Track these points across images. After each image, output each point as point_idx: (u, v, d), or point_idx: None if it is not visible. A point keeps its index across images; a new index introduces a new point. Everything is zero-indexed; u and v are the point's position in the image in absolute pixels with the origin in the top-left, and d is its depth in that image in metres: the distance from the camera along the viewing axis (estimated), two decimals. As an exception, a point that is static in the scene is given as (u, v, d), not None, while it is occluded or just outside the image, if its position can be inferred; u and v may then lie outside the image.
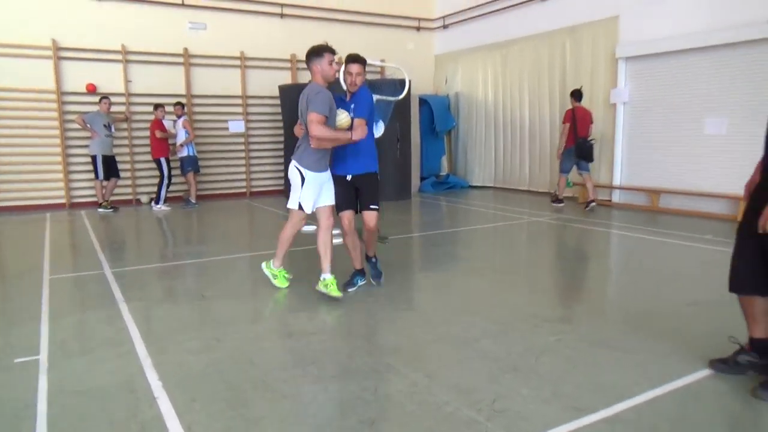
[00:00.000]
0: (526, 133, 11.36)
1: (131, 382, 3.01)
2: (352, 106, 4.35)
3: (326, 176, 4.47)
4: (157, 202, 10.05)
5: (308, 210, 4.47)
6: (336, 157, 4.52)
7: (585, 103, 9.14)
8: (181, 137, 9.96)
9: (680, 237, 6.75)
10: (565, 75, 10.29)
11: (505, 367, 3.15)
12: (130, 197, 10.71)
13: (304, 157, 4.35)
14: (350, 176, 4.51)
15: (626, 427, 2.51)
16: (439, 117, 12.45)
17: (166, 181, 10.03)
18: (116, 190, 10.16)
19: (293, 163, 4.41)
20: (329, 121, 4.19)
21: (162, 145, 9.95)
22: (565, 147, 8.98)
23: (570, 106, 9.05)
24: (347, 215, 4.56)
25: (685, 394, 2.82)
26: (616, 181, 9.52)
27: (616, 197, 9.59)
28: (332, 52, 4.27)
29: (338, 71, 4.42)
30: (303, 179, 4.35)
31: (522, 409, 2.68)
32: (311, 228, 7.01)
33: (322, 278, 4.43)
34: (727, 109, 7.90)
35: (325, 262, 4.45)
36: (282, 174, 11.69)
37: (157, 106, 9.92)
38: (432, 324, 3.89)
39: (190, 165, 10.13)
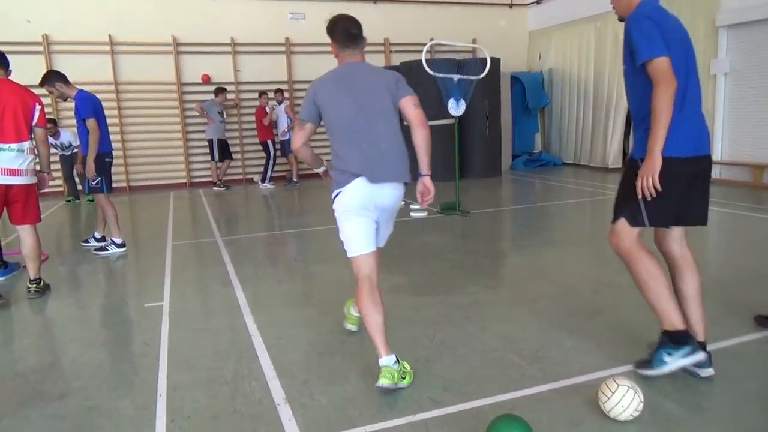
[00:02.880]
0: (616, 109, 11.05)
1: (234, 323, 3.66)
2: None
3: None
4: (263, 181, 10.99)
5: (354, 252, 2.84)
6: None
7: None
8: (283, 122, 10.78)
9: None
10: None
11: (556, 323, 3.43)
12: (240, 177, 11.78)
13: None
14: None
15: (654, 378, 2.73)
16: (531, 94, 12.39)
17: (271, 162, 10.94)
18: (228, 171, 11.24)
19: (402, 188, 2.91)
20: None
21: (267, 129, 10.84)
22: None
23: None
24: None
25: (724, 353, 2.95)
26: (717, 156, 9.09)
27: (717, 173, 9.16)
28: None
29: None
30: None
31: (562, 357, 2.97)
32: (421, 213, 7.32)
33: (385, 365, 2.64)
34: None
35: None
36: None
37: (261, 94, 10.79)
38: (496, 287, 4.22)
39: (291, 148, 10.75)
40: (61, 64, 10.35)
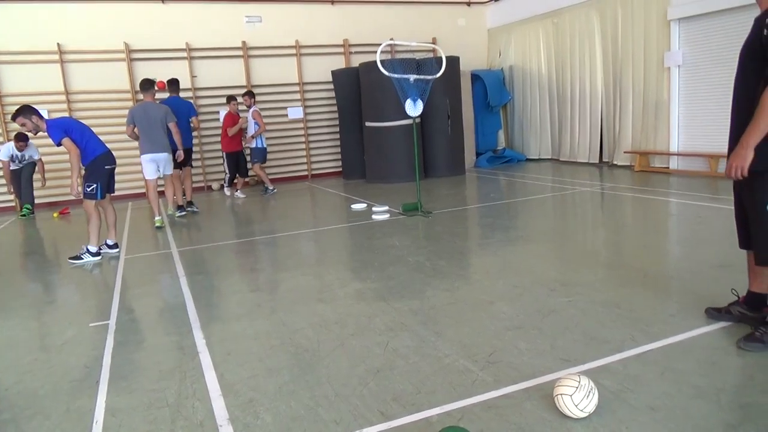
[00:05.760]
0: (578, 103, 11.18)
1: (181, 341, 3.52)
2: None
3: None
4: (228, 184, 10.37)
5: None
6: None
7: (638, 67, 8.94)
8: (252, 129, 9.91)
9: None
10: (617, 41, 10.03)
11: (510, 325, 3.39)
12: (201, 184, 11.53)
13: None
14: None
15: (609, 375, 2.69)
16: (492, 92, 12.44)
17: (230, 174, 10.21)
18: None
19: None
20: None
21: (234, 138, 9.91)
22: None
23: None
24: None
25: (676, 348, 2.95)
26: (674, 148, 9.25)
27: (674, 164, 9.32)
28: None
29: None
30: None
31: (515, 360, 2.92)
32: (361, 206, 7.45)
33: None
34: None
35: None
36: (339, 156, 12.16)
37: (230, 99, 9.85)
38: (454, 290, 4.16)
39: (257, 157, 10.09)
40: (6, 76, 10.00)
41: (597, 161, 10.97)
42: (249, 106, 9.89)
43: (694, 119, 8.95)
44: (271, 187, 10.37)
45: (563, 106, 11.62)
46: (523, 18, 12.32)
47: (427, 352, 3.09)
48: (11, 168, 9.33)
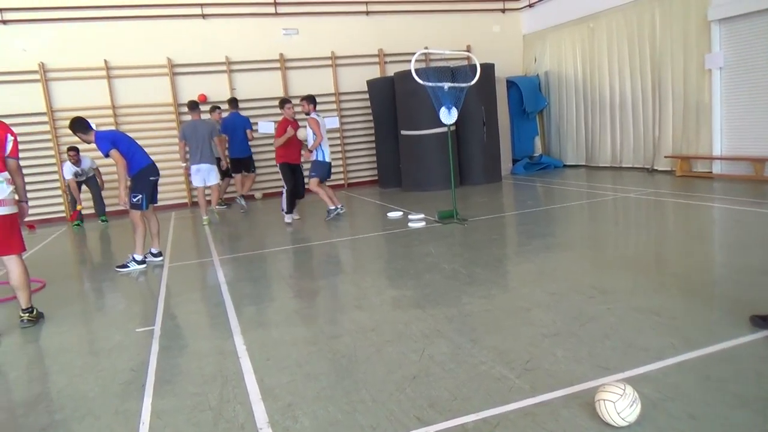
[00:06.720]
0: (617, 107, 10.99)
1: (222, 346, 3.63)
2: None
3: None
4: (289, 211, 8.40)
5: None
6: None
7: (678, 70, 8.74)
8: (311, 140, 8.07)
9: (780, 206, 6.36)
10: (655, 43, 9.84)
11: (547, 333, 3.37)
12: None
13: None
14: None
15: (648, 384, 2.65)
16: (528, 98, 12.35)
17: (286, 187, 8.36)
18: (228, 188, 11.25)
19: None
20: None
21: (292, 148, 8.31)
22: None
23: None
24: None
25: (718, 357, 2.88)
26: (716, 152, 8.99)
27: (717, 168, 9.06)
28: None
29: None
30: None
31: (552, 367, 2.91)
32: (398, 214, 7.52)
33: None
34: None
35: None
36: (375, 165, 12.25)
37: (284, 102, 8.35)
38: (490, 297, 4.16)
39: (316, 171, 8.16)
40: (58, 91, 10.48)
41: (637, 166, 10.76)
42: (308, 113, 8.11)
43: (737, 122, 8.69)
44: (332, 207, 8.27)
45: (602, 111, 11.44)
46: (559, 23, 12.21)
47: (463, 359, 3.10)
48: (78, 180, 9.81)
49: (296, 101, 8.73)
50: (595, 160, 11.86)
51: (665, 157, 9.87)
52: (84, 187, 9.96)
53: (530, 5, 13.01)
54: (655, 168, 10.16)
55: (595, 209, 7.60)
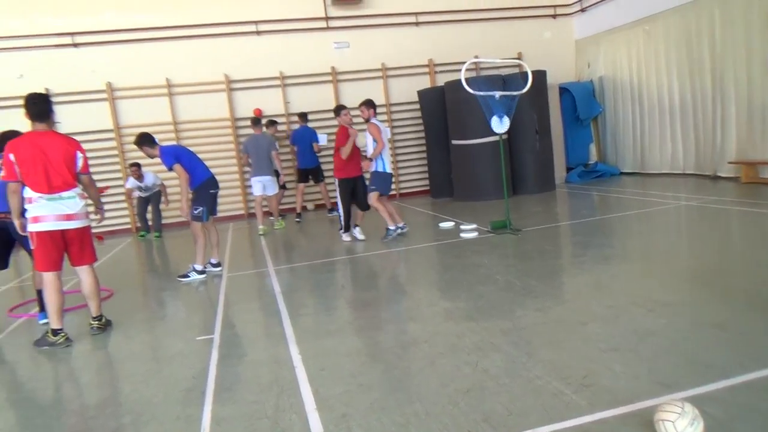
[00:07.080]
0: (676, 112, 10.59)
1: (278, 355, 3.71)
2: None
3: None
4: (345, 230, 7.77)
5: None
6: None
7: (740, 71, 8.35)
8: (370, 148, 7.37)
9: None
10: (715, 45, 9.45)
11: (605, 347, 3.29)
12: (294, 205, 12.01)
13: None
14: None
15: (715, 403, 2.54)
16: (581, 104, 12.09)
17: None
18: (283, 200, 11.50)
19: None
20: None
21: (352, 161, 7.50)
22: None
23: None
24: None
25: (790, 374, 2.74)
26: (787, 156, 8.54)
27: (789, 173, 8.59)
28: None
29: None
30: None
31: (610, 384, 2.83)
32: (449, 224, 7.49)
33: None
34: None
35: None
36: (427, 175, 12.25)
37: (339, 110, 7.72)
38: (545, 310, 4.09)
39: (376, 184, 7.40)
40: (124, 109, 11.03)
41: (698, 173, 10.32)
42: (367, 119, 7.42)
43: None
44: (392, 227, 7.44)
45: (660, 116, 11.05)
46: (613, 27, 11.91)
47: (518, 373, 3.06)
48: (139, 195, 10.23)
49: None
50: (653, 167, 11.45)
51: (729, 162, 9.44)
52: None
53: (582, 10, 12.76)
54: (719, 174, 9.72)
55: (655, 218, 7.34)
